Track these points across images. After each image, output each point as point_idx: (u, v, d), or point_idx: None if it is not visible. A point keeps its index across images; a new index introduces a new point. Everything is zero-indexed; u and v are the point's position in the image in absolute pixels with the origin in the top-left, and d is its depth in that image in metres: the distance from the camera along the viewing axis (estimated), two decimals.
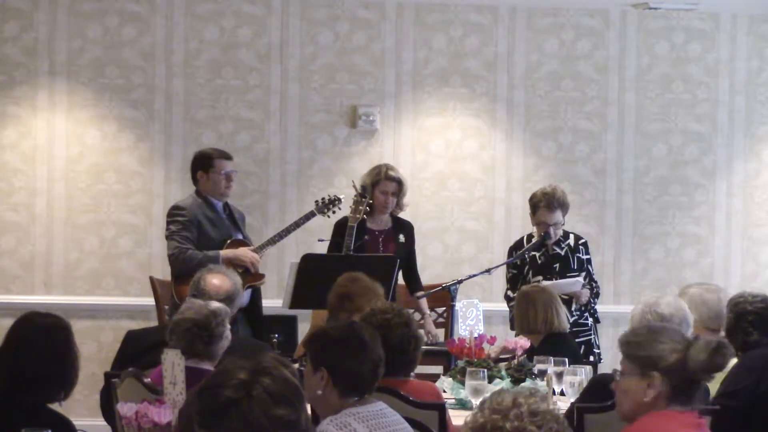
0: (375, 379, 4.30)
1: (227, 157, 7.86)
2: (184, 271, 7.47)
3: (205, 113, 9.25)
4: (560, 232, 7.89)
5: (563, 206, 7.85)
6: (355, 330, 4.39)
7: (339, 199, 8.01)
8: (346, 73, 9.37)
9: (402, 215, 8.23)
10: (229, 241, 7.72)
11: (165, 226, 7.86)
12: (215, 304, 5.38)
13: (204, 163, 7.79)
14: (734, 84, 9.75)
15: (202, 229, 7.69)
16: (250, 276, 7.57)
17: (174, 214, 7.74)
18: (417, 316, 7.32)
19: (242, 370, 2.64)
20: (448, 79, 9.46)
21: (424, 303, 8.06)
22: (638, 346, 3.83)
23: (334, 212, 8.02)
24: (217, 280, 6.12)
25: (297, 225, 7.94)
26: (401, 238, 8.02)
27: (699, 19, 9.70)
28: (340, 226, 7.91)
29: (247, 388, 2.61)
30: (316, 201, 8.07)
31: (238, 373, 2.63)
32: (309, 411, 4.68)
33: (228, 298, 6.05)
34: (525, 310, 6.74)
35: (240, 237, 7.83)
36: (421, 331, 7.65)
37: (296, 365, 5.80)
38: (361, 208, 7.76)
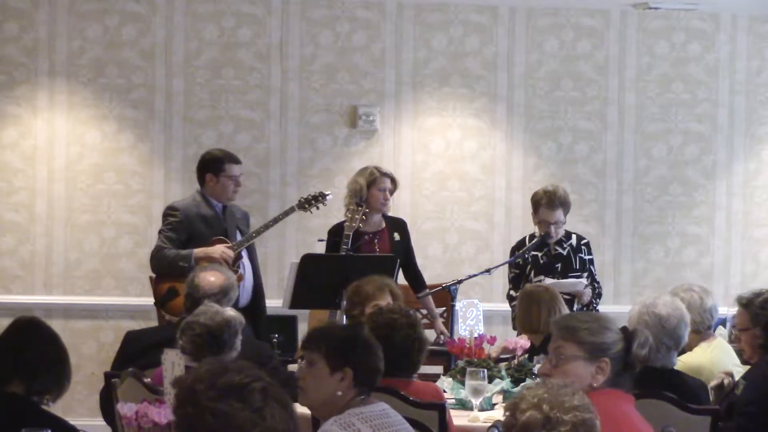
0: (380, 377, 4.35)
1: (236, 161, 7.85)
2: (158, 269, 7.66)
3: (205, 113, 9.24)
4: (562, 232, 7.89)
5: (565, 205, 7.86)
6: (367, 330, 4.44)
7: (323, 195, 7.89)
8: (346, 73, 9.37)
9: (402, 215, 8.21)
10: (211, 240, 7.72)
11: None
12: (230, 313, 5.31)
13: (214, 167, 7.77)
14: (734, 84, 9.75)
15: (196, 228, 7.69)
16: None
17: (166, 214, 7.83)
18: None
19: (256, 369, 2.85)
20: (448, 79, 9.46)
21: (430, 302, 8.02)
22: (589, 332, 3.94)
23: (317, 208, 7.91)
24: (210, 276, 6.20)
25: (275, 221, 7.86)
26: (396, 236, 7.94)
27: (699, 19, 9.69)
28: (335, 232, 7.86)
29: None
30: (300, 198, 8.01)
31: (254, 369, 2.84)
32: (310, 412, 4.70)
33: (222, 292, 6.13)
34: (528, 310, 6.71)
35: (238, 237, 7.81)
36: (432, 331, 7.69)
37: (297, 365, 5.80)
38: (357, 216, 7.70)
